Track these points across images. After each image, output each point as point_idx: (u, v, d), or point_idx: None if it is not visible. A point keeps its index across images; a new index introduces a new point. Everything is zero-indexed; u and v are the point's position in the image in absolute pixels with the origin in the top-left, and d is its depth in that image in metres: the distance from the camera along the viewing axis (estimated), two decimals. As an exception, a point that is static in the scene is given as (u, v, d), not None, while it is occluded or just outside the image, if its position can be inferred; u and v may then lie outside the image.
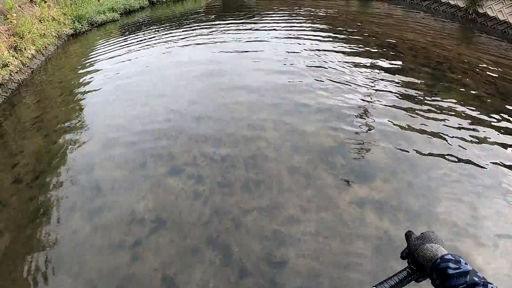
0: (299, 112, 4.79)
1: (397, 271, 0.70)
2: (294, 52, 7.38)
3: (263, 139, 4.17)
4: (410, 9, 11.65)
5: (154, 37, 10.55)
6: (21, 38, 7.85)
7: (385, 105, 4.92)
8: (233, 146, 4.08)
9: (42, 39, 9.18)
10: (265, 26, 10.08)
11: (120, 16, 14.46)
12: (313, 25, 9.80)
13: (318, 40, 8.21)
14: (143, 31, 11.62)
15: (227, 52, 7.88)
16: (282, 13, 11.93)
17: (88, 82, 7.44)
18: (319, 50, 7.50)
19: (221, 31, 10.08)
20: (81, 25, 11.85)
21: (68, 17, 11.70)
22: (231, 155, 3.89)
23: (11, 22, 7.79)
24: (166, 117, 4.96)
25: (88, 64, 8.84)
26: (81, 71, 8.34)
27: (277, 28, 9.70)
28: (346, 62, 6.62)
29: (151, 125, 4.82)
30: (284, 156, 3.84)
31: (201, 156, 3.92)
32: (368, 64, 6.44)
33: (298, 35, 8.75)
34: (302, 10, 12.21)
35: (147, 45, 9.65)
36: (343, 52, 7.21)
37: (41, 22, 9.87)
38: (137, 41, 10.23)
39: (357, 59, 6.75)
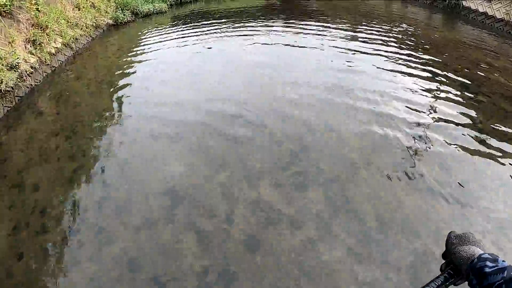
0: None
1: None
2: (393, 92, 5.09)
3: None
4: (506, 39, 8.95)
5: (210, 37, 8.63)
6: (42, 29, 6.21)
7: None
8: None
9: (73, 30, 7.59)
10: (340, 42, 7.80)
11: (170, 8, 12.78)
12: (405, 50, 7.35)
13: (420, 76, 5.83)
14: (195, 27, 9.74)
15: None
16: (357, 27, 9.52)
17: (121, 88, 5.71)
18: (425, 90, 5.15)
19: (289, 42, 7.93)
20: (124, 14, 10.23)
21: (111, 4, 10.11)
22: None
23: (35, 9, 6.17)
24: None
25: (127, 63, 7.12)
26: (117, 73, 6.61)
27: (357, 46, 7.37)
28: (481, 151, 4.16)
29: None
30: None
31: None
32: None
33: (386, 62, 6.40)
34: (377, 24, 9.70)
35: (202, 45, 7.74)
36: (466, 119, 4.71)
37: (78, 9, 8.30)
38: (187, 40, 8.37)
39: (496, 139, 4.24)
